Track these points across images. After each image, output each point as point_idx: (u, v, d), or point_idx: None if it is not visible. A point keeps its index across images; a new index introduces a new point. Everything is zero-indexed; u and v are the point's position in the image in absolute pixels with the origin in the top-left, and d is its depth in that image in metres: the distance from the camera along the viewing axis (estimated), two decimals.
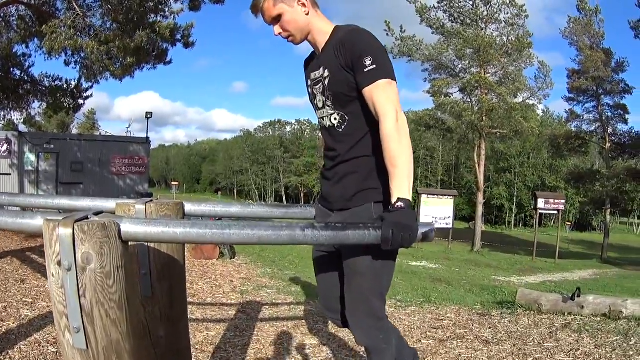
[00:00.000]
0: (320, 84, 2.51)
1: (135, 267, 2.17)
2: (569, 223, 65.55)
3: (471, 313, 6.62)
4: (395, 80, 2.34)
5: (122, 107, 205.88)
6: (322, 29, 2.52)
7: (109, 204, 2.55)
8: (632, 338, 5.12)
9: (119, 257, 1.58)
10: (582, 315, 5.99)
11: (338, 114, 2.48)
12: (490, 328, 5.78)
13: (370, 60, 2.28)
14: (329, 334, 5.40)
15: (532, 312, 6.33)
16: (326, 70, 2.46)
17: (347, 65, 2.35)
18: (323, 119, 2.57)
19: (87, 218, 1.58)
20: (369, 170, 2.41)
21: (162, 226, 1.62)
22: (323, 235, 1.87)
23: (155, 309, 2.28)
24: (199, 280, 7.88)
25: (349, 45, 2.34)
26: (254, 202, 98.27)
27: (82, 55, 15.95)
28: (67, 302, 1.53)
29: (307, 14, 2.48)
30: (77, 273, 1.51)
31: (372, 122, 2.37)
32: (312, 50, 2.65)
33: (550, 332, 5.48)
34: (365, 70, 2.29)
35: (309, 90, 2.66)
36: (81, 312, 1.54)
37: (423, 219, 24.30)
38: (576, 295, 6.15)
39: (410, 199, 2.15)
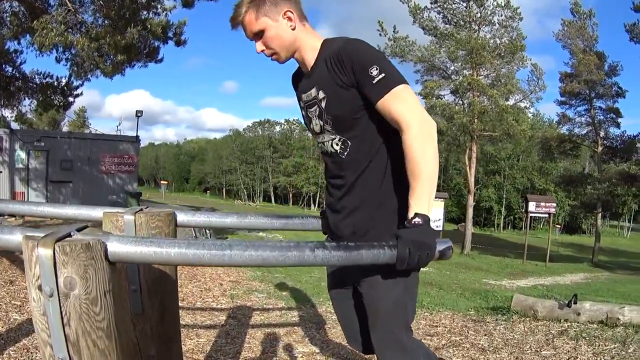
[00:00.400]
0: (316, 106, 2.26)
1: (124, 284, 2.02)
2: (559, 226, 65.71)
3: (465, 319, 6.55)
4: (408, 83, 2.10)
5: (113, 105, 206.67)
6: (311, 45, 2.27)
7: (96, 212, 2.39)
8: (631, 346, 5.03)
9: (106, 281, 1.41)
10: (578, 322, 5.91)
11: (340, 139, 2.24)
12: (485, 335, 5.71)
13: (376, 69, 2.04)
14: (322, 342, 5.30)
15: (528, 319, 6.24)
16: (320, 91, 2.22)
17: (349, 82, 2.11)
18: (324, 144, 2.33)
19: (69, 235, 1.41)
20: (380, 201, 2.22)
21: (154, 246, 1.46)
22: (335, 255, 1.71)
23: (146, 327, 2.13)
24: (188, 283, 7.75)
25: (346, 60, 2.09)
26: (243, 201, 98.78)
27: (73, 52, 15.90)
28: (51, 331, 1.37)
29: (294, 29, 2.23)
30: (59, 299, 1.34)
31: (378, 144, 2.20)
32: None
33: (547, 340, 5.40)
34: (374, 82, 2.04)
35: (303, 112, 2.42)
36: (66, 342, 1.38)
37: None
38: (572, 302, 6.06)
39: (430, 215, 1.97)
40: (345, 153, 2.23)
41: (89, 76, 17.61)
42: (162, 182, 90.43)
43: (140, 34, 15.05)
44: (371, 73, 2.04)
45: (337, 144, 2.25)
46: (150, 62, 17.45)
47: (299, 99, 2.41)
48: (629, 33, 31.50)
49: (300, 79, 2.40)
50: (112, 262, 1.44)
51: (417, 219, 1.93)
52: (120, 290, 1.63)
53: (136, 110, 28.34)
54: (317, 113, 2.27)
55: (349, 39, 2.19)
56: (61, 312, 1.35)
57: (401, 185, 2.14)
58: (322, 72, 2.19)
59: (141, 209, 2.19)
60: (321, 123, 2.27)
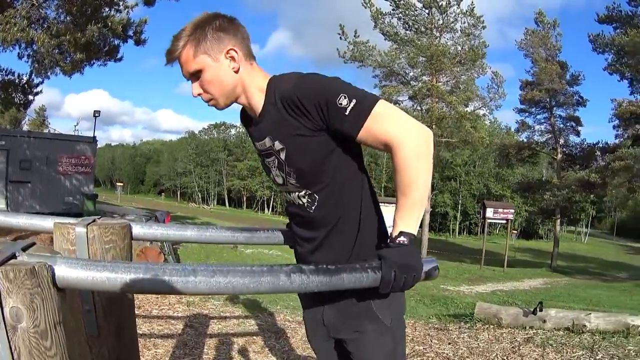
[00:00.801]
0: (274, 157, 1.97)
1: (78, 303, 1.85)
2: (515, 231, 66.47)
3: (428, 327, 6.53)
4: (381, 98, 1.83)
5: (72, 104, 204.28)
6: (257, 85, 1.94)
7: (47, 222, 2.18)
8: (599, 352, 5.06)
9: (55, 312, 1.23)
10: (544, 329, 5.95)
11: (306, 193, 1.98)
12: (450, 344, 5.67)
13: (344, 98, 1.76)
14: (282, 352, 5.22)
15: (492, 326, 6.26)
16: (277, 142, 1.92)
17: (314, 127, 1.83)
18: (289, 194, 2.06)
19: (14, 257, 1.22)
20: (356, 255, 1.97)
21: (107, 271, 1.29)
22: (313, 280, 1.55)
23: (103, 349, 1.94)
24: None
25: (306, 101, 1.79)
26: (198, 205, 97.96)
27: (35, 48, 15.69)
28: None
29: (237, 71, 1.90)
30: (7, 333, 1.16)
31: (349, 187, 1.97)
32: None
33: (513, 347, 5.39)
34: (347, 113, 1.76)
35: (260, 160, 2.11)
36: None
37: None
38: (538, 310, 6.06)
39: (415, 234, 1.79)
40: (314, 207, 1.99)
41: (49, 74, 17.41)
42: (118, 183, 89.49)
43: (101, 32, 15.00)
44: (340, 104, 1.77)
45: (303, 197, 2.00)
46: (109, 61, 17.40)
47: (253, 144, 2.11)
48: (592, 43, 32.18)
49: (250, 122, 2.08)
50: (61, 289, 1.28)
51: (402, 238, 1.75)
52: (73, 313, 1.48)
53: (94, 111, 28.11)
54: (277, 164, 1.99)
55: (300, 75, 1.89)
56: (10, 347, 1.17)
57: (379, 218, 2.03)
58: (275, 119, 1.90)
59: (94, 220, 2.01)
60: (283, 175, 2.00)
